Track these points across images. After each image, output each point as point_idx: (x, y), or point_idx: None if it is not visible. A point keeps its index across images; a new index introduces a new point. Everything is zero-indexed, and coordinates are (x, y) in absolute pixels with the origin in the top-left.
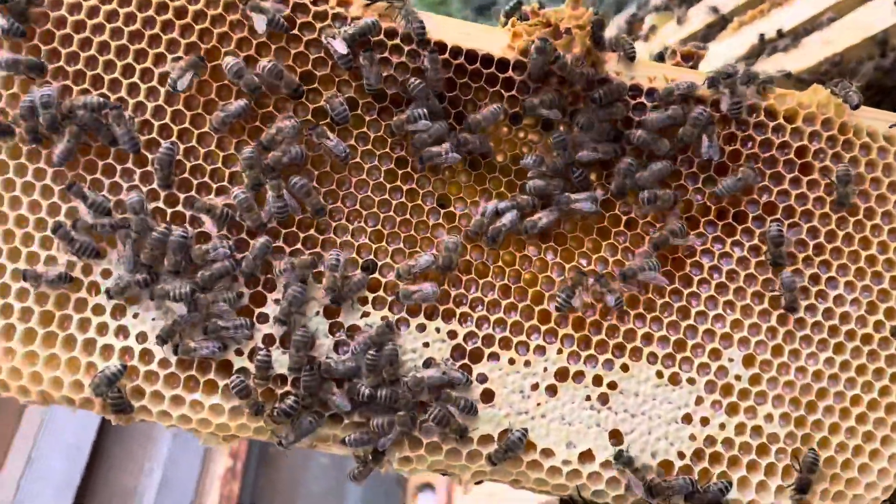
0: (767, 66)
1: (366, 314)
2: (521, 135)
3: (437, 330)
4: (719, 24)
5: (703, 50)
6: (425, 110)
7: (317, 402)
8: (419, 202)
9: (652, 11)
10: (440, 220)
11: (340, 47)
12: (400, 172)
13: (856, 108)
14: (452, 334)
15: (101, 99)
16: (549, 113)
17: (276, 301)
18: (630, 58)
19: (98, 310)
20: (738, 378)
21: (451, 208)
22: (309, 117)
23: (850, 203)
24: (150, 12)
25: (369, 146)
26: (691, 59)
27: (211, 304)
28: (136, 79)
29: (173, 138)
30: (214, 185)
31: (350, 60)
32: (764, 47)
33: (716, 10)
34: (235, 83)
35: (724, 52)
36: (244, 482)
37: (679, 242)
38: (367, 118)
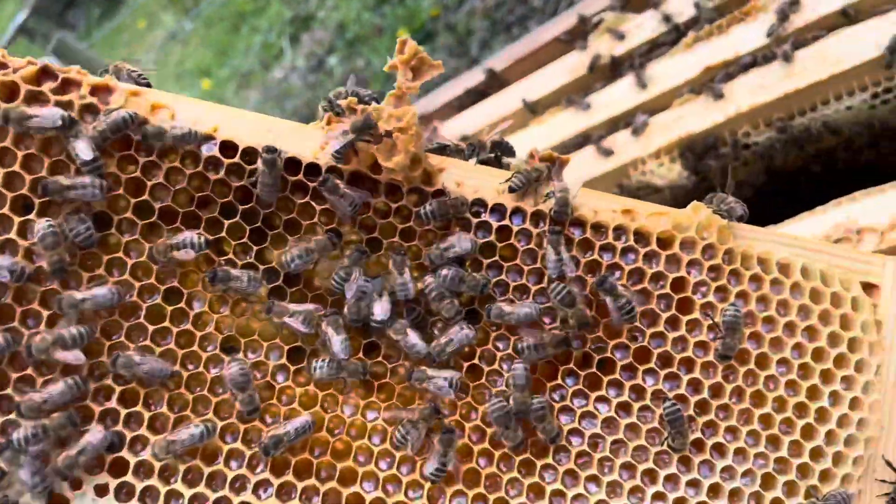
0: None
1: None
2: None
3: None
4: (671, 38)
5: (566, 157)
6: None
7: None
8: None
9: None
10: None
11: (84, 151)
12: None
13: (739, 219)
14: None
15: None
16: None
17: None
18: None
19: None
20: None
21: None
22: None
23: (733, 356)
24: None
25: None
26: (553, 164)
27: None
28: None
29: None
30: None
31: (99, 167)
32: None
33: (668, 19)
34: None
35: (669, 72)
36: None
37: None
38: (125, 239)
